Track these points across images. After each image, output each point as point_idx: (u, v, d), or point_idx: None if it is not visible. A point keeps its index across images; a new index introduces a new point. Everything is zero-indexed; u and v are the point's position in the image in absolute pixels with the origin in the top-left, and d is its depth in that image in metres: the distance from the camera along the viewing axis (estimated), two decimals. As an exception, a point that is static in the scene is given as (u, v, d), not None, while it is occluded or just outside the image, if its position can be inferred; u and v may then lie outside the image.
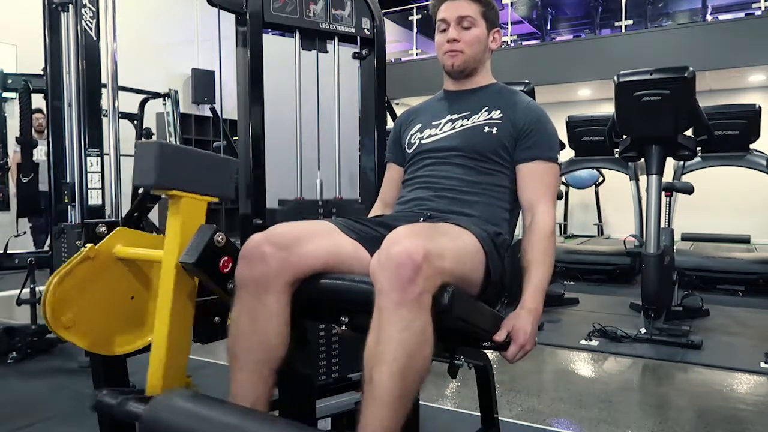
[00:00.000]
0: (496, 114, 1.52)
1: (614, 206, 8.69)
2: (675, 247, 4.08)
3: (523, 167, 1.48)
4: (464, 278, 1.18)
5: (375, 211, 1.70)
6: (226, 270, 1.21)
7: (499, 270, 1.34)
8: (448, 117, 1.57)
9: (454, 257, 1.14)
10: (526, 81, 3.46)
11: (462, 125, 1.53)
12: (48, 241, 3.63)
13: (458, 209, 1.42)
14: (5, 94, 3.98)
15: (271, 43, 1.86)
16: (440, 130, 1.56)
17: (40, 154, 4.11)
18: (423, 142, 1.57)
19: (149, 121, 5.84)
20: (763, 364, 2.91)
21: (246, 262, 1.18)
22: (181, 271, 1.20)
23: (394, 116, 3.79)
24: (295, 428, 1.02)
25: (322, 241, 1.25)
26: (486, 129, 1.50)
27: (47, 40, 2.90)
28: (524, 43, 10.24)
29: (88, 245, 1.30)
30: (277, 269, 1.17)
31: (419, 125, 1.62)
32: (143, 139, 5.33)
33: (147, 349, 1.42)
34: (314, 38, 1.96)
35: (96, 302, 1.32)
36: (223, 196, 1.27)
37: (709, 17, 8.60)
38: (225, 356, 1.21)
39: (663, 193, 3.57)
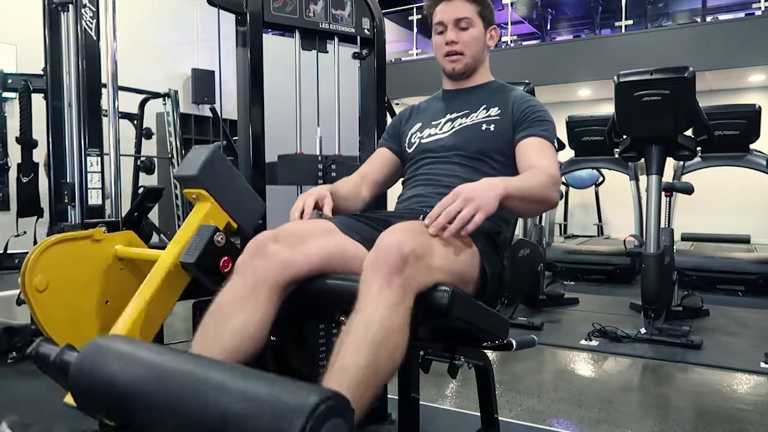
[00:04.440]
0: (494, 111, 1.52)
1: (614, 206, 8.69)
2: (675, 247, 4.08)
3: (521, 144, 1.47)
4: (457, 276, 1.18)
5: (348, 180, 1.60)
6: (225, 270, 1.21)
7: (498, 269, 1.34)
8: (448, 116, 1.58)
9: (445, 254, 1.14)
10: (526, 81, 3.46)
11: (461, 124, 1.54)
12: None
13: None
14: (5, 94, 3.97)
15: (271, 43, 1.86)
16: (440, 129, 1.57)
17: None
18: (423, 141, 1.58)
19: (149, 121, 5.84)
20: (763, 364, 2.91)
21: (250, 253, 1.18)
22: (176, 269, 1.20)
23: (393, 116, 3.79)
24: (230, 368, 0.90)
25: (324, 241, 1.25)
26: (484, 126, 1.51)
27: (47, 40, 2.89)
28: (524, 43, 10.24)
29: (101, 228, 1.31)
30: (279, 267, 1.16)
31: (419, 124, 1.62)
32: (143, 139, 5.34)
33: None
34: (314, 38, 1.96)
35: (77, 285, 1.30)
36: (245, 224, 1.29)
37: (708, 17, 8.60)
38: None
39: (663, 193, 3.57)
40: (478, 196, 1.14)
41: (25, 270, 1.23)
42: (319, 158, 1.92)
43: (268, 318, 1.14)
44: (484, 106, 1.54)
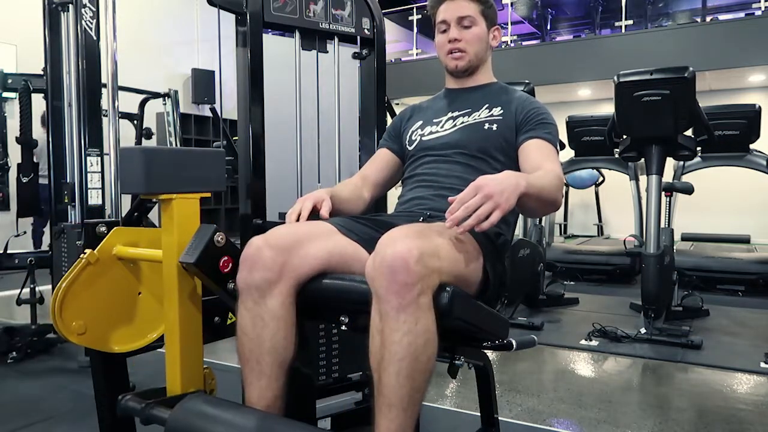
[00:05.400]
0: (496, 111, 1.52)
1: (614, 206, 8.69)
2: (675, 247, 4.08)
3: (524, 145, 1.47)
4: (461, 278, 1.17)
5: (348, 183, 1.61)
6: (226, 270, 1.21)
7: (499, 271, 1.34)
8: (449, 114, 1.57)
9: (450, 256, 1.13)
10: (526, 81, 3.46)
11: (463, 122, 1.54)
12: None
13: None
14: (5, 94, 3.97)
15: (271, 43, 1.86)
16: (441, 127, 1.57)
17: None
18: (424, 139, 1.58)
19: (149, 121, 5.84)
20: (763, 364, 2.91)
21: (247, 267, 1.18)
22: (183, 271, 1.20)
23: (393, 116, 3.79)
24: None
25: (322, 243, 1.25)
26: (486, 126, 1.50)
27: (47, 40, 2.89)
28: (524, 43, 10.24)
29: (87, 251, 1.30)
30: (279, 273, 1.17)
31: (420, 122, 1.62)
32: (143, 139, 5.34)
33: (148, 348, 1.42)
34: (314, 38, 1.96)
35: (103, 304, 1.33)
36: (213, 190, 1.28)
37: (708, 17, 8.60)
38: (225, 356, 1.22)
39: (663, 193, 3.57)
40: (498, 192, 1.10)
41: (56, 324, 1.26)
42: None
43: (290, 323, 1.19)
44: (487, 105, 1.54)
